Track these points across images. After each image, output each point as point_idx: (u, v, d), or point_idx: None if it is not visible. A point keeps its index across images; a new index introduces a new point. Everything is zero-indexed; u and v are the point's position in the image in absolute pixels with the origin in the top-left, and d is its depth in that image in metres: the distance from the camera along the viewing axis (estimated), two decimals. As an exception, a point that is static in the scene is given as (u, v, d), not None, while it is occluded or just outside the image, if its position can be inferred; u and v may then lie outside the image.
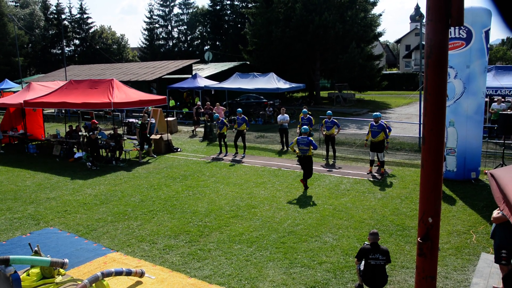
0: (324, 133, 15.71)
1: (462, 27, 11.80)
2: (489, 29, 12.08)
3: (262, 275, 7.32)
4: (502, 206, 4.87)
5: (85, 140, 16.82)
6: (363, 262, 6.32)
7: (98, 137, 17.13)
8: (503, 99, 19.09)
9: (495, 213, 6.39)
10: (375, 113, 13.95)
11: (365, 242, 6.55)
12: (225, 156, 17.04)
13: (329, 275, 7.26)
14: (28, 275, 6.88)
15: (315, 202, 11.06)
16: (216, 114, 18.62)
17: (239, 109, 18.45)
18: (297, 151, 12.34)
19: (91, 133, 15.80)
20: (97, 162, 15.99)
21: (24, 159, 17.64)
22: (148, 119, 17.90)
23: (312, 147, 11.95)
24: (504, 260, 6.25)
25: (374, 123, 13.44)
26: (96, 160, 16.01)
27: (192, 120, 24.67)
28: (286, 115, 18.11)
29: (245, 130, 17.14)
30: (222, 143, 17.42)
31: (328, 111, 15.94)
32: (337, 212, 10.26)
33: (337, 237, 8.82)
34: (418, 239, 2.90)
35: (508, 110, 16.52)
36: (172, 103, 28.38)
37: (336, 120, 15.60)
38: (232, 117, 27.55)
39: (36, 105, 18.19)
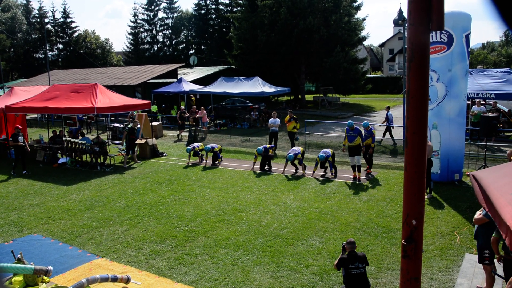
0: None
1: (443, 31, 12.00)
2: (469, 33, 12.32)
3: (249, 279, 7.31)
4: (485, 206, 4.94)
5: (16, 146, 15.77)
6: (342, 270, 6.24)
7: (77, 140, 16.91)
8: (483, 102, 19.42)
9: (477, 215, 6.50)
10: (349, 121, 13.86)
11: (343, 242, 6.41)
12: (210, 160, 16.97)
13: (316, 278, 7.28)
14: (11, 283, 6.77)
15: (301, 205, 11.09)
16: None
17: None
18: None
19: (16, 139, 15.27)
20: (24, 170, 15.61)
21: (6, 165, 17.34)
22: (139, 124, 17.72)
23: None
24: (487, 260, 6.36)
25: (350, 129, 13.50)
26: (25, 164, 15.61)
27: (177, 125, 24.56)
28: (277, 119, 18.23)
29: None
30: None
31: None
32: (323, 215, 10.31)
33: (323, 240, 8.86)
34: (402, 241, 2.93)
35: (489, 113, 16.79)
36: (154, 108, 28.01)
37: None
38: (218, 121, 27.53)
39: (18, 110, 17.91)
